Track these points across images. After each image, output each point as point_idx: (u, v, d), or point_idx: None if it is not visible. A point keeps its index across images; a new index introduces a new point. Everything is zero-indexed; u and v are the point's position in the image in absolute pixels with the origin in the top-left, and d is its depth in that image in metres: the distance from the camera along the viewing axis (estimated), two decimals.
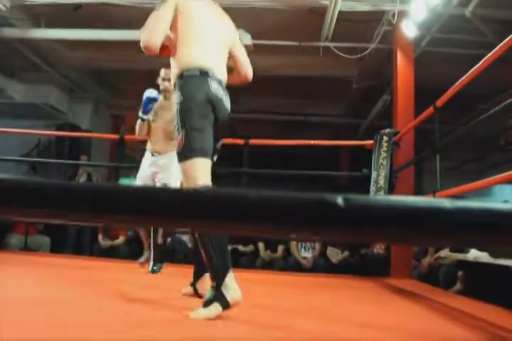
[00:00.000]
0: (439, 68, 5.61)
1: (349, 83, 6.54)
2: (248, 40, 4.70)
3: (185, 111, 1.74)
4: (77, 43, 5.76)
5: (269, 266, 4.70)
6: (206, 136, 1.75)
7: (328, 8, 4.42)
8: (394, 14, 4.51)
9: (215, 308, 1.59)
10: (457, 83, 2.82)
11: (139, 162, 3.63)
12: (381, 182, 3.77)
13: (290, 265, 4.64)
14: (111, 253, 4.75)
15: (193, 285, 2.10)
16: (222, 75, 1.90)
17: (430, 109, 3.20)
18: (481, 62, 2.51)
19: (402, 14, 4.47)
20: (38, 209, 0.53)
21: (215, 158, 1.94)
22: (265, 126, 8.57)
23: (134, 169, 3.50)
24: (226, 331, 1.46)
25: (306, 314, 1.92)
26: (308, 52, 5.50)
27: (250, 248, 4.96)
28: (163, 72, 3.41)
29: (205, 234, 1.63)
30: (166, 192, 0.56)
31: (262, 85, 6.78)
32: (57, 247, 5.50)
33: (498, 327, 1.78)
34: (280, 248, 4.83)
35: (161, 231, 3.34)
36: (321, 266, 4.62)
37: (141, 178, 3.45)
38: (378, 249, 4.05)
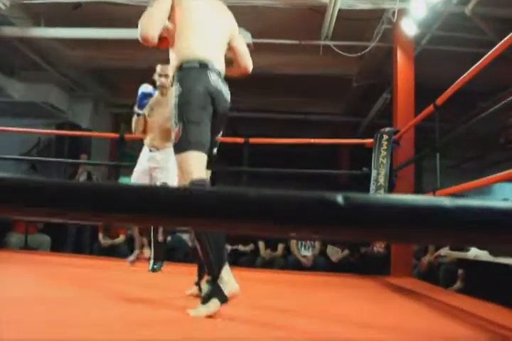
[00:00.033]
0: (439, 66, 5.61)
1: (349, 81, 6.53)
2: (248, 38, 4.70)
3: (183, 104, 1.74)
4: (77, 42, 5.76)
5: (269, 264, 4.70)
6: (203, 130, 1.74)
7: (328, 7, 4.42)
8: (394, 12, 4.50)
9: (214, 304, 1.58)
10: (457, 81, 2.81)
11: None
12: (381, 180, 3.77)
13: (290, 264, 4.64)
14: (111, 252, 4.75)
15: (198, 284, 2.09)
16: (221, 67, 1.89)
17: (430, 108, 3.20)
18: (481, 61, 2.51)
19: (402, 12, 4.46)
20: (38, 207, 0.53)
21: (214, 151, 1.94)
22: (265, 125, 8.57)
23: (134, 168, 3.49)
24: (226, 331, 1.46)
25: (307, 313, 1.92)
26: (309, 51, 5.49)
27: (250, 247, 4.96)
28: (159, 67, 3.38)
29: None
30: (166, 191, 0.56)
31: (262, 84, 6.79)
32: (58, 246, 5.50)
33: (498, 326, 1.78)
34: (280, 246, 4.84)
35: (161, 229, 3.33)
36: (321, 265, 4.62)
37: (138, 173, 3.41)
38: (378, 247, 4.05)
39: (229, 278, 1.64)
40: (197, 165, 1.70)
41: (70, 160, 6.32)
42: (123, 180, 6.43)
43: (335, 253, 4.80)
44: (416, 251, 4.44)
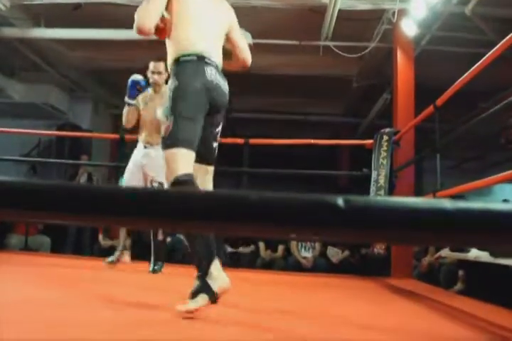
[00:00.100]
0: (439, 67, 5.61)
1: (349, 82, 6.53)
2: (248, 39, 4.70)
3: (178, 98, 1.73)
4: (77, 43, 5.76)
5: (269, 265, 4.70)
6: (194, 127, 1.73)
7: (328, 7, 4.42)
8: (394, 13, 4.50)
9: (202, 299, 1.58)
10: (457, 82, 2.81)
11: None
12: (381, 181, 3.76)
13: (290, 265, 4.64)
14: (111, 253, 4.72)
15: None
16: (219, 59, 1.89)
17: (430, 108, 3.20)
18: (481, 61, 2.50)
19: (402, 13, 4.46)
20: (38, 211, 0.52)
21: (215, 145, 1.93)
22: (265, 126, 8.57)
23: None
24: (226, 332, 1.46)
25: (307, 314, 1.91)
26: (308, 51, 5.49)
27: (251, 248, 4.96)
28: (152, 65, 3.35)
29: None
30: (166, 193, 0.56)
31: (262, 84, 6.80)
32: (58, 247, 5.50)
33: (499, 327, 1.77)
34: (280, 248, 4.83)
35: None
36: (322, 266, 4.62)
37: (131, 170, 3.36)
38: (378, 248, 4.05)
39: (218, 273, 1.63)
40: (184, 163, 1.70)
41: (71, 161, 6.32)
42: (123, 181, 6.43)
43: (335, 254, 4.79)
44: (416, 252, 4.44)
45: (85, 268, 3.51)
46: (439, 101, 3.05)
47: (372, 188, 3.79)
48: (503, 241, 0.49)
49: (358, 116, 8.12)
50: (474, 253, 3.45)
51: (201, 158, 1.88)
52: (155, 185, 3.26)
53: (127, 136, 4.72)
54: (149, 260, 3.35)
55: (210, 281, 1.61)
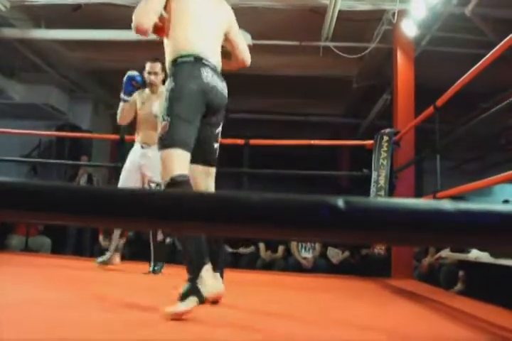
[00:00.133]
0: (440, 67, 5.61)
1: (349, 83, 6.54)
2: (248, 39, 4.70)
3: (174, 100, 1.74)
4: (77, 43, 5.77)
5: (269, 266, 4.69)
6: (190, 129, 1.74)
7: (328, 8, 4.42)
8: (394, 13, 4.50)
9: (191, 301, 1.58)
10: (457, 82, 2.81)
11: None
12: (381, 182, 3.76)
13: (290, 265, 4.64)
14: None
15: None
16: (217, 60, 1.89)
17: (430, 109, 3.20)
18: (481, 62, 2.51)
19: (402, 13, 4.47)
20: (38, 211, 0.52)
21: (216, 146, 1.94)
22: (265, 126, 8.57)
23: None
24: (226, 332, 1.46)
25: (307, 315, 1.91)
26: (309, 52, 5.50)
27: (251, 249, 4.96)
28: (148, 65, 3.34)
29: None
30: (167, 194, 0.56)
31: (262, 85, 6.80)
32: (58, 248, 5.50)
33: (499, 328, 1.77)
34: (280, 248, 4.83)
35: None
36: (322, 267, 4.62)
37: (128, 170, 3.34)
38: (379, 249, 4.05)
39: (209, 278, 1.63)
40: (179, 164, 1.70)
41: (71, 162, 6.32)
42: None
43: (335, 255, 4.79)
44: (416, 253, 4.44)
45: (86, 269, 3.51)
46: (439, 102, 3.06)
47: (373, 189, 3.79)
48: (503, 241, 0.49)
49: (358, 117, 8.13)
50: (475, 254, 3.45)
51: (203, 159, 1.88)
52: (152, 185, 3.24)
53: (127, 137, 4.72)
54: (149, 260, 3.35)
55: (199, 286, 1.60)
